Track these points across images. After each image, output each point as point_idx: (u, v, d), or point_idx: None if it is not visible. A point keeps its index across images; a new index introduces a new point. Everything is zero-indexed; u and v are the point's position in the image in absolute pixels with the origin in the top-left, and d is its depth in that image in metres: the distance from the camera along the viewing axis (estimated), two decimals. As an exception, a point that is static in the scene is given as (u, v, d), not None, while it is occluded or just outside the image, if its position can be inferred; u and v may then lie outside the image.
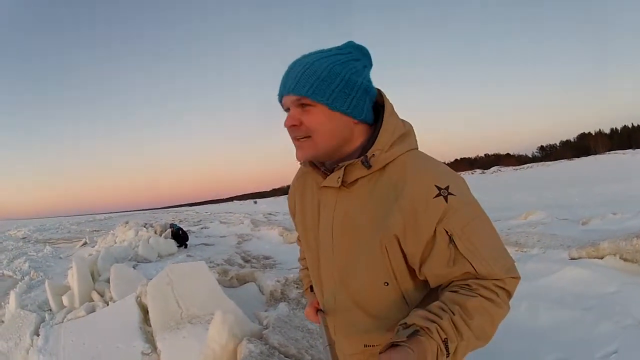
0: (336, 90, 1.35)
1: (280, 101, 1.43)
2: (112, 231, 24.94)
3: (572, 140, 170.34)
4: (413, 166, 1.36)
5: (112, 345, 5.14)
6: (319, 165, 1.52)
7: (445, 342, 1.17)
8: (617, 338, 4.02)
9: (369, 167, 1.36)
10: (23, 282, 11.98)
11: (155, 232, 17.49)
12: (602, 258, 5.92)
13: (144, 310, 5.84)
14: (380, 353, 1.17)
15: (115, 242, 18.16)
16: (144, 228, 19.78)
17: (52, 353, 5.33)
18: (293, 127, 1.39)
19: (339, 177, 1.40)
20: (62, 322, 6.54)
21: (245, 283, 8.36)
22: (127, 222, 26.30)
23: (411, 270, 1.39)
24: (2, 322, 7.78)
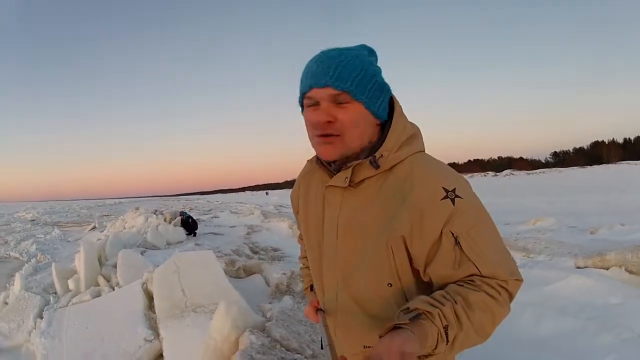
0: (371, 90, 1.35)
1: (304, 94, 1.39)
2: (122, 216, 25.05)
3: (585, 147, 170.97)
4: (420, 168, 1.35)
5: (115, 330, 5.17)
6: (326, 163, 1.50)
7: (445, 328, 1.15)
8: (615, 351, 4.01)
9: (377, 167, 1.35)
10: (29, 265, 12.07)
11: (165, 220, 17.58)
12: (607, 269, 5.94)
13: (149, 297, 5.87)
14: (380, 336, 1.14)
15: (125, 228, 18.33)
16: (154, 215, 19.88)
17: (55, 336, 5.38)
18: (327, 124, 1.35)
19: (347, 177, 1.38)
20: (67, 305, 6.59)
21: (251, 274, 8.40)
22: (137, 208, 26.43)
23: (415, 272, 1.38)
24: (6, 303, 7.84)
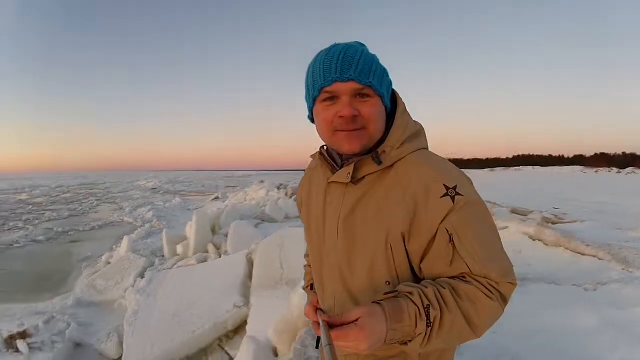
0: (386, 85, 1.43)
1: (323, 89, 1.40)
2: (245, 189, 25.89)
3: None
4: (422, 165, 1.39)
5: (209, 295, 5.64)
6: (338, 157, 1.55)
7: (427, 308, 1.19)
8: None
9: (379, 163, 1.40)
10: (142, 229, 13.27)
11: (287, 194, 18.08)
12: None
13: (251, 267, 6.28)
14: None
15: (245, 200, 19.26)
16: (277, 189, 20.43)
17: (150, 294, 5.96)
18: (353, 118, 1.37)
19: (349, 173, 1.44)
20: (171, 268, 7.06)
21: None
22: (262, 181, 27.15)
23: (413, 270, 1.42)
24: (109, 263, 8.51)
